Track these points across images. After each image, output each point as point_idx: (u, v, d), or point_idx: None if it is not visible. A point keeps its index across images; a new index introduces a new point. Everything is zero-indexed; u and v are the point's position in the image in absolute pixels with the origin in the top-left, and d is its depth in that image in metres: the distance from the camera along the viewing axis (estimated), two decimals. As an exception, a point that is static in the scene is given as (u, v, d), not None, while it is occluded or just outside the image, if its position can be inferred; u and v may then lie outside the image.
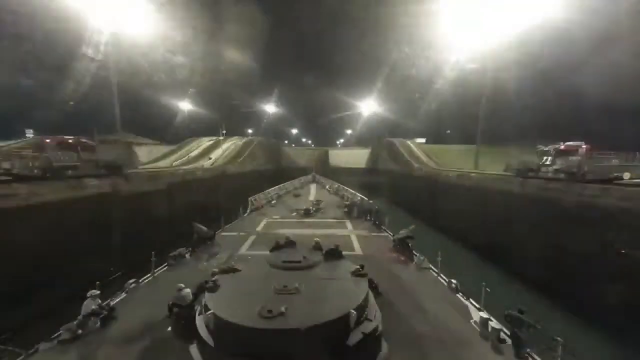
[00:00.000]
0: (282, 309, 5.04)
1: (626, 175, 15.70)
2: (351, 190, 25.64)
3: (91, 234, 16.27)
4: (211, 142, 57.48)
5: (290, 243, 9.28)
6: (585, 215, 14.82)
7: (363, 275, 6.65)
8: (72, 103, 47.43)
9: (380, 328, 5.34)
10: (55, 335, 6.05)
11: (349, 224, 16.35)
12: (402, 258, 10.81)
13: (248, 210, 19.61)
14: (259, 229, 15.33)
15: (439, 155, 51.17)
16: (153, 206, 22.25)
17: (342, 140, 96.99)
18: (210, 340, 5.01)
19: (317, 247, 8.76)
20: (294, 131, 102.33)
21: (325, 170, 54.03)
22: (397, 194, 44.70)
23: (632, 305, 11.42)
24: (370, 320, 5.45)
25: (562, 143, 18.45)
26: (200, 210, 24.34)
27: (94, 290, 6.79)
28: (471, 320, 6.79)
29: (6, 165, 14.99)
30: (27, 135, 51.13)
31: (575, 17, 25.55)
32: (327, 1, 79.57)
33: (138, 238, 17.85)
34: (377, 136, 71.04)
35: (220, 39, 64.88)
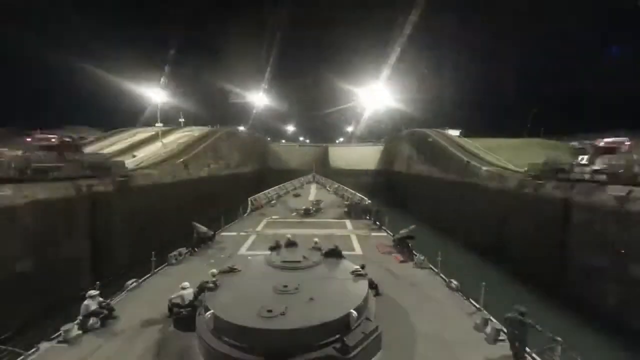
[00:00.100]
0: (282, 309, 5.05)
1: None
2: (351, 190, 25.65)
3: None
4: (158, 132, 36.81)
5: (291, 243, 9.27)
6: None
7: (363, 275, 6.65)
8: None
9: (380, 328, 5.34)
10: (56, 335, 6.06)
11: (348, 224, 16.35)
12: (402, 258, 10.81)
13: (248, 210, 19.62)
14: (259, 229, 15.33)
15: (495, 152, 32.10)
16: None
17: (342, 139, 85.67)
18: (210, 340, 5.01)
19: (317, 247, 8.77)
20: (290, 128, 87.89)
21: (325, 173, 42.89)
22: (444, 216, 28.15)
23: None
24: (370, 320, 5.45)
25: (600, 139, 16.30)
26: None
27: (92, 291, 6.79)
28: (471, 320, 6.78)
29: None
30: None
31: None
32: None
33: None
34: (395, 129, 54.89)
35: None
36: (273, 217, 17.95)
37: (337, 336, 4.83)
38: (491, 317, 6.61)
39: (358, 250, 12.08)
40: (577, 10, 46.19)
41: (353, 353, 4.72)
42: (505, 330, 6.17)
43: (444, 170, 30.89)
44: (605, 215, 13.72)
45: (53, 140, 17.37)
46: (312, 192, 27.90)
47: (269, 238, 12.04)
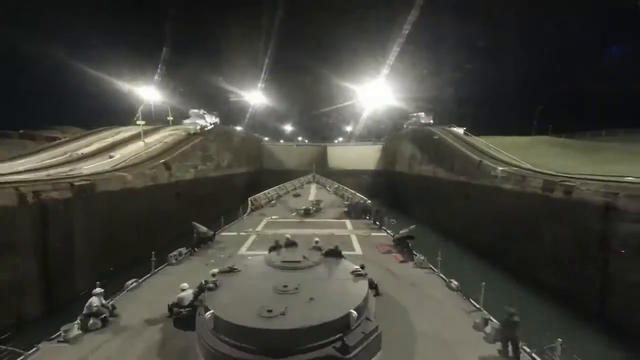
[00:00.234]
0: (282, 309, 5.05)
1: None
2: (351, 190, 25.66)
3: None
4: (145, 131, 34.06)
5: (291, 243, 9.29)
6: None
7: (363, 275, 6.66)
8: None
9: (380, 328, 5.35)
10: (56, 335, 6.07)
11: (348, 224, 16.35)
12: (402, 258, 10.81)
13: (248, 210, 19.64)
14: (258, 229, 15.34)
15: (507, 151, 28.55)
16: None
17: (341, 139, 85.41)
18: (210, 340, 5.02)
19: (318, 247, 8.79)
20: (289, 128, 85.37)
21: (324, 173, 42.17)
22: (452, 221, 25.95)
23: None
24: (370, 320, 5.46)
25: None
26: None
27: (98, 289, 6.81)
28: (470, 320, 6.79)
29: None
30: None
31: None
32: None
33: None
34: (395, 128, 53.10)
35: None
36: (273, 217, 17.95)
37: (337, 336, 4.84)
38: (491, 317, 6.62)
39: (358, 250, 12.08)
40: (577, 10, 46.28)
41: (353, 353, 4.72)
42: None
43: (451, 170, 28.31)
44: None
45: None
46: (312, 192, 27.90)
47: (269, 238, 12.05)
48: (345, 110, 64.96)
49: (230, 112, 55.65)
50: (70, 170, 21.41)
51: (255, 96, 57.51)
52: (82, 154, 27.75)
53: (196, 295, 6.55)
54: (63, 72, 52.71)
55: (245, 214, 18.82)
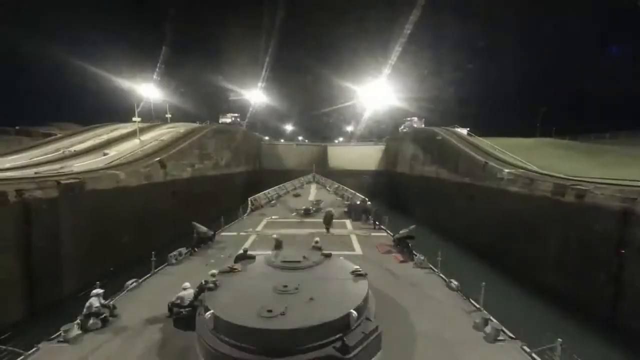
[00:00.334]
0: (282, 309, 5.05)
1: None
2: (351, 190, 25.65)
3: None
4: (142, 129, 34.48)
5: (278, 244, 9.19)
6: None
7: (363, 275, 6.66)
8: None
9: (380, 328, 5.35)
10: (56, 335, 6.06)
11: (349, 224, 16.35)
12: (402, 258, 10.82)
13: (248, 210, 19.63)
14: (259, 229, 15.33)
15: (511, 152, 28.61)
16: None
17: (341, 139, 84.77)
18: (210, 340, 5.02)
19: (317, 247, 8.79)
20: (289, 127, 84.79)
21: (324, 173, 41.58)
22: (454, 223, 25.66)
23: None
24: (370, 320, 5.46)
25: None
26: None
27: (97, 290, 6.80)
28: (470, 320, 6.79)
29: None
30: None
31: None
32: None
33: None
34: (396, 128, 52.72)
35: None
36: (273, 217, 17.94)
37: (337, 336, 4.84)
38: (491, 317, 6.61)
39: (358, 250, 12.08)
40: (577, 10, 46.32)
41: (353, 353, 4.72)
42: (505, 330, 6.27)
43: (455, 171, 28.00)
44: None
45: None
46: (312, 192, 27.89)
47: (269, 238, 12.04)
48: (346, 110, 64.52)
49: (230, 111, 55.48)
50: (61, 167, 20.93)
51: (255, 95, 57.21)
52: (74, 151, 27.31)
53: (196, 296, 6.55)
54: (63, 70, 53.00)
55: (245, 214, 18.81)
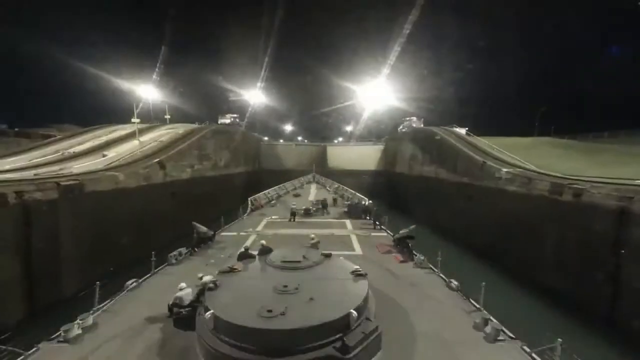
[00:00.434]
0: (282, 309, 5.05)
1: None
2: (351, 190, 25.67)
3: None
4: (143, 129, 35.27)
5: (267, 250, 8.54)
6: None
7: (363, 275, 6.66)
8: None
9: (380, 328, 5.36)
10: (56, 335, 6.06)
11: (348, 224, 16.36)
12: (402, 258, 10.82)
13: (248, 210, 19.62)
14: (259, 229, 15.33)
15: (510, 151, 28.59)
16: None
17: (341, 139, 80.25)
18: (210, 340, 5.02)
19: (314, 244, 8.78)
20: (288, 128, 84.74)
21: (323, 173, 41.78)
22: (453, 222, 25.71)
23: None
24: (370, 320, 5.46)
25: None
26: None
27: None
28: (471, 320, 6.79)
29: None
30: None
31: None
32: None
33: None
34: (395, 128, 52.46)
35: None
36: (273, 217, 17.94)
37: (337, 336, 4.84)
38: (491, 317, 6.62)
39: (358, 250, 12.08)
40: (577, 10, 46.45)
41: (353, 353, 4.72)
42: (505, 330, 6.28)
43: (453, 171, 28.08)
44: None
45: None
46: (312, 192, 27.91)
47: (269, 238, 12.04)
48: (346, 110, 64.82)
49: (229, 112, 55.63)
50: (60, 169, 20.98)
51: (254, 95, 57.35)
52: (73, 152, 27.29)
53: (196, 296, 6.55)
54: (62, 71, 53.02)
55: (245, 214, 18.81)
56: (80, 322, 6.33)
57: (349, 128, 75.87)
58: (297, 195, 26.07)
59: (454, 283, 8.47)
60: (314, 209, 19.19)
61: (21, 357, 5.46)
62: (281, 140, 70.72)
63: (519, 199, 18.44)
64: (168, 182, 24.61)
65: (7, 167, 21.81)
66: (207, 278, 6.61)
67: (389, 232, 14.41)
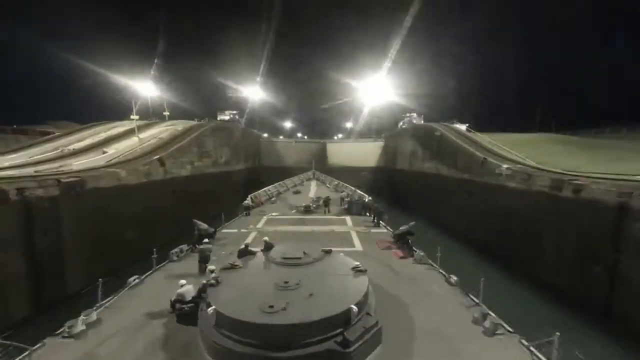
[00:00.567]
0: (284, 304, 5.12)
1: None
2: (351, 187, 25.71)
3: None
4: (142, 126, 34.86)
5: (269, 247, 8.68)
6: None
7: (363, 271, 6.72)
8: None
9: (380, 323, 5.42)
10: (60, 330, 6.14)
11: (349, 220, 16.41)
12: (402, 254, 10.89)
13: (248, 207, 19.63)
14: (259, 226, 15.39)
15: (509, 147, 28.55)
16: None
17: (340, 135, 77.97)
18: (213, 335, 5.08)
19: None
20: (288, 124, 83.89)
21: (323, 170, 41.43)
22: (453, 218, 25.95)
23: None
24: (371, 315, 5.53)
25: None
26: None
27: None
28: (470, 315, 6.87)
29: None
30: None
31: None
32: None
33: None
34: (396, 124, 52.81)
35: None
36: (273, 214, 18.00)
37: (338, 331, 4.91)
38: (490, 312, 6.69)
39: (358, 246, 12.16)
40: (577, 10, 46.22)
41: (353, 347, 4.80)
42: (505, 324, 6.37)
43: (453, 167, 28.06)
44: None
45: None
46: (312, 189, 27.93)
47: (270, 235, 12.09)
48: (345, 106, 64.64)
49: (228, 108, 55.39)
50: (60, 166, 20.96)
51: (253, 92, 57.09)
52: (73, 149, 27.28)
53: (198, 292, 6.61)
54: (61, 67, 52.59)
55: (245, 211, 18.85)
56: (84, 317, 6.41)
57: (348, 124, 75.63)
58: (297, 193, 26.09)
59: (454, 278, 8.54)
60: (314, 205, 19.25)
61: (27, 352, 5.54)
62: (281, 137, 70.48)
63: (519, 195, 18.47)
64: (168, 179, 24.59)
65: (7, 164, 21.75)
66: (211, 267, 6.83)
67: (389, 228, 14.47)
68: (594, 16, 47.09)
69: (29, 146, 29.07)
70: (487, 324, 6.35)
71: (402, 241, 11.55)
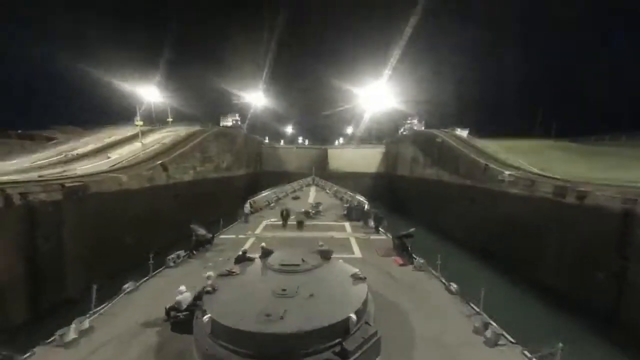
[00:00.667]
0: (281, 312, 5.00)
1: None
2: (350, 193, 25.59)
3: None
4: (146, 132, 35.09)
5: (268, 252, 8.56)
6: None
7: (362, 279, 6.60)
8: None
9: (379, 332, 5.29)
10: (51, 339, 6.02)
11: (348, 227, 16.28)
12: (402, 261, 10.74)
13: (246, 213, 19.54)
14: (257, 231, 15.27)
15: (510, 153, 29.26)
16: None
17: (341, 141, 78.18)
18: (208, 344, 4.96)
19: (323, 249, 8.67)
20: (289, 130, 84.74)
21: (324, 176, 40.92)
22: (455, 225, 25.74)
23: None
24: (370, 325, 5.40)
25: None
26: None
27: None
28: (471, 325, 6.72)
29: None
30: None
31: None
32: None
33: None
34: (396, 130, 53.53)
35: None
36: (272, 219, 17.88)
37: (337, 340, 4.78)
38: (491, 321, 6.54)
39: (357, 253, 12.01)
40: (577, 9, 46.62)
41: (352, 358, 4.66)
42: (506, 334, 6.20)
43: (455, 173, 28.04)
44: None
45: None
46: (312, 195, 27.82)
47: (268, 241, 11.97)
48: (346, 112, 65.12)
49: (227, 114, 56.38)
50: (64, 171, 21.21)
51: (256, 97, 58.02)
52: (77, 154, 27.82)
53: (194, 299, 6.50)
54: (69, 74, 53.42)
55: (244, 217, 18.75)
56: (76, 325, 6.28)
57: (349, 130, 76.33)
58: (296, 198, 25.98)
59: (454, 286, 8.39)
60: (313, 211, 19.12)
61: None
62: (282, 142, 71.24)
63: (521, 200, 18.47)
64: (171, 184, 24.78)
65: (11, 168, 22.08)
66: (209, 273, 6.75)
67: (388, 234, 14.32)
68: (594, 16, 47.51)
69: (34, 151, 29.79)
70: (488, 333, 6.20)
71: (402, 248, 11.40)
